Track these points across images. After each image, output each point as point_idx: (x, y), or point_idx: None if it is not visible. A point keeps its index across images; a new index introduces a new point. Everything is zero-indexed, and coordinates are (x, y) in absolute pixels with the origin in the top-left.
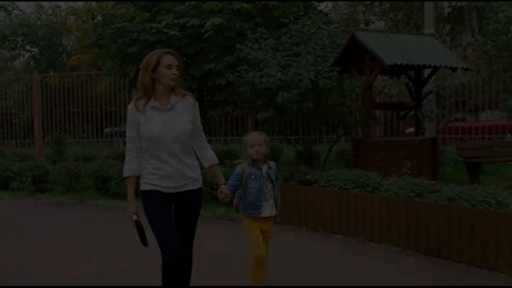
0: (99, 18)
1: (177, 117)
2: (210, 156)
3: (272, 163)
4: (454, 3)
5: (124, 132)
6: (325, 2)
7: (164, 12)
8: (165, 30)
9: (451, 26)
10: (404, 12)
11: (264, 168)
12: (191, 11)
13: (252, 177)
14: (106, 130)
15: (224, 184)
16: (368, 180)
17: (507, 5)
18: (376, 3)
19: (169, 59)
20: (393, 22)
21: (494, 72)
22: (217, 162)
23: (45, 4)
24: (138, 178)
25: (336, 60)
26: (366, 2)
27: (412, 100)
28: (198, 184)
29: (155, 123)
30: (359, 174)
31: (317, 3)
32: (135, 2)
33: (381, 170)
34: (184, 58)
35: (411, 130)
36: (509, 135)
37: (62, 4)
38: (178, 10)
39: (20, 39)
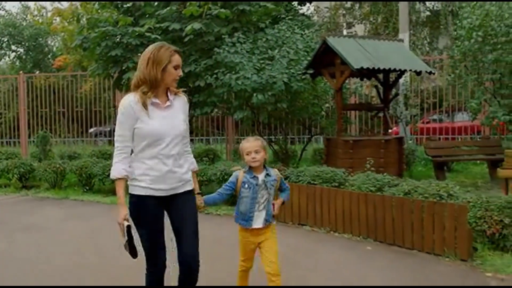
0: (84, 20)
1: (175, 115)
2: (191, 162)
3: (273, 171)
4: (431, 7)
5: (109, 131)
6: (307, 5)
7: (146, 16)
8: (147, 34)
9: (429, 30)
10: (383, 16)
11: (261, 176)
12: (173, 15)
13: (246, 186)
14: (91, 130)
15: (200, 193)
16: (335, 176)
17: (471, 13)
18: (356, 7)
19: (177, 60)
20: (372, 25)
21: (458, 76)
22: (197, 168)
23: (31, 5)
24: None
25: (309, 64)
26: (346, 6)
27: (381, 102)
28: (190, 186)
29: (156, 120)
30: (327, 171)
31: (298, 6)
32: (119, 5)
33: (350, 166)
34: None
35: (389, 131)
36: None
37: (48, 5)
38: (160, 14)
39: (6, 39)
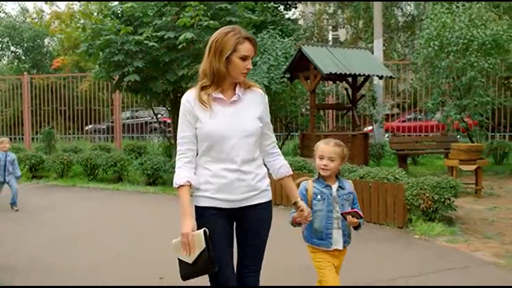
0: (88, 24)
1: (244, 112)
2: (282, 165)
3: (347, 183)
4: (408, 12)
5: (104, 129)
6: (293, 10)
7: (144, 25)
8: (146, 42)
9: (406, 34)
10: (363, 21)
11: (335, 186)
12: (168, 25)
13: (318, 197)
14: (88, 127)
15: (295, 203)
16: (305, 164)
17: (430, 24)
18: (339, 13)
19: (246, 48)
20: (354, 30)
21: (419, 79)
22: (291, 172)
23: (30, 8)
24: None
25: (286, 69)
26: (329, 12)
27: (349, 102)
28: (267, 197)
29: (219, 118)
30: (299, 160)
31: (284, 11)
32: (119, 15)
33: None
34: (161, 65)
35: (367, 128)
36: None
37: (46, 8)
38: (156, 24)
39: (6, 41)
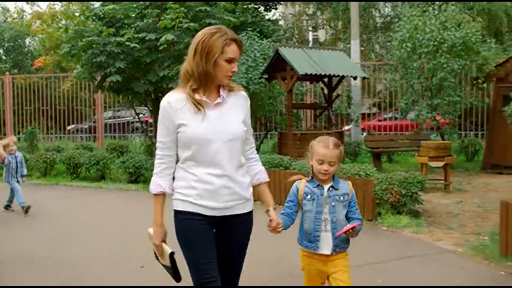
0: (71, 25)
1: (228, 114)
2: (259, 171)
3: (344, 183)
4: (386, 14)
5: (87, 128)
6: (273, 11)
7: (126, 26)
8: (127, 43)
9: (384, 35)
10: (342, 22)
11: (327, 186)
12: (149, 27)
13: (308, 197)
14: (70, 127)
15: (268, 210)
16: (282, 161)
17: (403, 27)
18: (318, 14)
19: (233, 50)
20: (333, 31)
21: (392, 80)
22: (268, 179)
23: (11, 8)
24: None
25: (264, 70)
26: (309, 13)
27: (325, 102)
28: (250, 206)
29: (203, 121)
30: (275, 158)
31: (265, 13)
32: (101, 16)
33: (298, 155)
34: (143, 66)
35: (346, 127)
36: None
37: (27, 8)
38: (138, 26)
39: None
